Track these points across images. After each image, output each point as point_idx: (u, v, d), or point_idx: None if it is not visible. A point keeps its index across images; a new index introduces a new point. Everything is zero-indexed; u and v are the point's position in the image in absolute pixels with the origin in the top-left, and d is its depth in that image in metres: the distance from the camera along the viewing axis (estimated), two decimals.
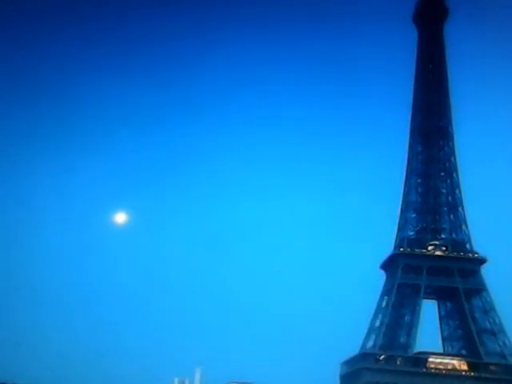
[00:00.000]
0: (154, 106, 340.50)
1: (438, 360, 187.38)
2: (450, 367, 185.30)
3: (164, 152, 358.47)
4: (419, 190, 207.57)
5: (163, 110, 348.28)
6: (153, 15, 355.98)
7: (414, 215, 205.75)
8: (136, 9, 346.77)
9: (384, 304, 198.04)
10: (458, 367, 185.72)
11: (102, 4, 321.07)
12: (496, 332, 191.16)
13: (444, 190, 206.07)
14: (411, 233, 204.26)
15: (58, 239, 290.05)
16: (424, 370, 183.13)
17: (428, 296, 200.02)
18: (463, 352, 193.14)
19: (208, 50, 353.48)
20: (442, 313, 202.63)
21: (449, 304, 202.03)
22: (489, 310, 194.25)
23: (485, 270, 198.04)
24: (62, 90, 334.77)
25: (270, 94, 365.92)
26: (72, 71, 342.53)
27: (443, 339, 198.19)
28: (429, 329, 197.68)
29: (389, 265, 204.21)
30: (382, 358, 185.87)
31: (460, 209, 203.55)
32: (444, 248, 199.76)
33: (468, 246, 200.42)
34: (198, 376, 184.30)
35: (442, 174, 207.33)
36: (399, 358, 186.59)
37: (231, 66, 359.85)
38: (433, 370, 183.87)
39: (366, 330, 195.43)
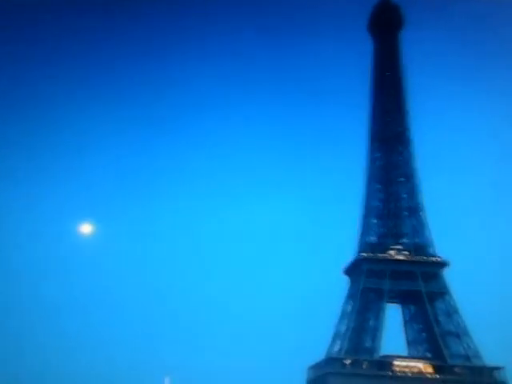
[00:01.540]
0: (120, 117, 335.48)
1: (404, 363, 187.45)
2: (415, 370, 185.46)
3: (139, 160, 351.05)
4: (380, 195, 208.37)
5: (130, 121, 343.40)
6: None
7: (375, 220, 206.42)
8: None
9: (349, 309, 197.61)
10: (423, 370, 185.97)
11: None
12: (460, 334, 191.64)
13: (404, 195, 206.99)
14: (373, 238, 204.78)
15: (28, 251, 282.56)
16: (390, 373, 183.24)
17: (392, 300, 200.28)
18: (428, 355, 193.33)
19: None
20: (406, 316, 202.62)
21: (412, 308, 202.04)
22: (452, 312, 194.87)
23: (447, 273, 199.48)
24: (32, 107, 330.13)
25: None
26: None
27: (408, 343, 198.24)
28: (394, 333, 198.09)
29: (352, 270, 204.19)
30: (348, 362, 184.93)
31: (421, 213, 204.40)
32: (406, 252, 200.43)
33: (430, 249, 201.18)
34: None
35: (402, 179, 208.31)
36: (365, 362, 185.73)
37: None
38: (398, 373, 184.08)
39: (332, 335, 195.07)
